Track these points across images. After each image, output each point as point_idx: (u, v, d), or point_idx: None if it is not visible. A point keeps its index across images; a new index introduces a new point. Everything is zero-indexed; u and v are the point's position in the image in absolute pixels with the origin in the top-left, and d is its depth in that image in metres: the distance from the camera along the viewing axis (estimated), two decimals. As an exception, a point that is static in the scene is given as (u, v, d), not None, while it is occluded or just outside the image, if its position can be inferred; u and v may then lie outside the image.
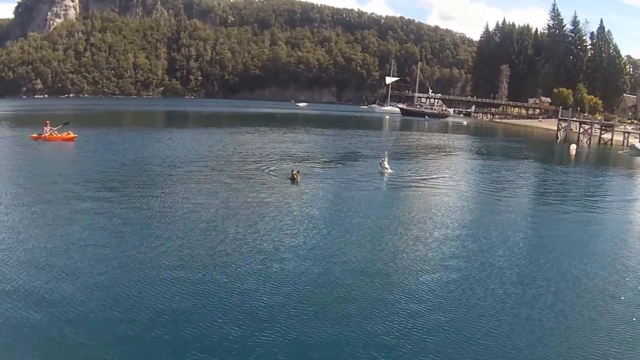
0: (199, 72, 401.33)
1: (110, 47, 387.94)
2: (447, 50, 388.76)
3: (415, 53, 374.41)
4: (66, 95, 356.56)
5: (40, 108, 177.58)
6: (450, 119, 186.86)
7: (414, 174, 50.80)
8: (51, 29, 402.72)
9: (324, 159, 59.62)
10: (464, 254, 24.44)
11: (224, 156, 56.69)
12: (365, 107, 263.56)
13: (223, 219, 28.22)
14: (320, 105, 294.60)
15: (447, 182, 46.35)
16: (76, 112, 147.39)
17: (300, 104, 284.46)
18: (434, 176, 49.92)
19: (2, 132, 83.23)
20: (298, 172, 40.84)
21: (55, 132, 68.42)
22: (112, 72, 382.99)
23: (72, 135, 68.33)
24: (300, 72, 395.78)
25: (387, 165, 48.96)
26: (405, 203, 37.21)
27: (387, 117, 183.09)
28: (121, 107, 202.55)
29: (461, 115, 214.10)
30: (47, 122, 70.44)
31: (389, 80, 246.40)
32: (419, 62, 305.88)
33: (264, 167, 47.98)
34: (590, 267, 23.36)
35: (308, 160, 57.14)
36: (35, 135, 68.75)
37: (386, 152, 52.11)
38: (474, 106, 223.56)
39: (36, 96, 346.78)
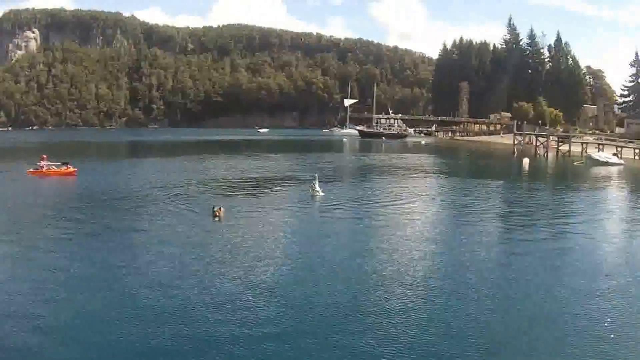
0: (161, 102, 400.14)
1: (72, 78, 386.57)
2: (408, 70, 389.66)
3: (375, 74, 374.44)
4: (30, 128, 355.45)
5: (7, 141, 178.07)
6: (409, 139, 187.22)
7: (346, 196, 50.23)
8: (13, 61, 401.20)
9: (259, 185, 59.14)
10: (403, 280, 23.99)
11: (167, 186, 55.61)
12: (326, 130, 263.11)
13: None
14: (282, 131, 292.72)
15: (382, 203, 45.92)
16: (50, 144, 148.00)
17: (262, 130, 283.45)
18: (366, 198, 49.50)
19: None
20: (220, 208, 38.35)
21: (54, 167, 67.00)
22: (75, 103, 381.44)
23: (72, 169, 66.72)
24: (262, 98, 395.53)
25: (317, 188, 48.74)
26: (334, 229, 36.04)
27: (345, 139, 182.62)
28: (93, 139, 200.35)
29: (422, 134, 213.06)
30: (44, 156, 68.98)
31: (347, 102, 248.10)
32: (380, 83, 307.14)
33: (193, 200, 46.53)
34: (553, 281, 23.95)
35: (242, 187, 56.66)
36: (31, 169, 67.18)
37: (316, 174, 52.15)
38: (434, 125, 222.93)
39: (0, 129, 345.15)
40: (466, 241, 31.44)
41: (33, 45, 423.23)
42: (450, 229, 35.78)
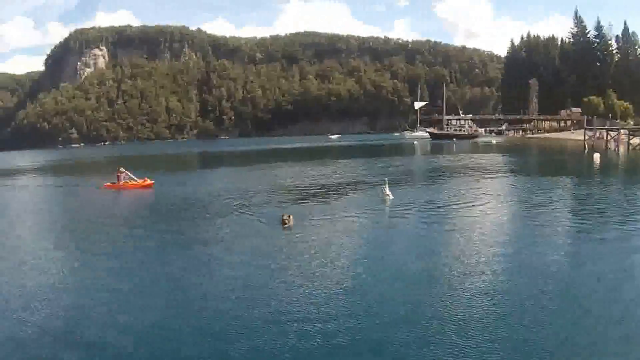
0: (232, 112, 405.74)
1: (141, 92, 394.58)
2: (476, 70, 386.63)
3: (444, 75, 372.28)
4: (102, 143, 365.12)
5: (83, 157, 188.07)
6: (480, 139, 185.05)
7: (417, 199, 48.81)
8: (82, 79, 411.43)
9: (329, 191, 58.51)
10: (489, 284, 22.89)
11: (240, 195, 56.21)
12: (398, 134, 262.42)
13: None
14: (353, 137, 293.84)
15: (452, 205, 44.65)
16: (123, 159, 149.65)
17: (333, 137, 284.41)
18: (437, 200, 47.98)
19: (70, 182, 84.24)
20: (289, 215, 37.60)
21: (132, 180, 67.94)
22: (146, 117, 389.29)
23: (149, 182, 67.63)
24: (332, 104, 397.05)
25: (388, 192, 47.89)
26: (405, 233, 35.15)
27: (416, 142, 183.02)
28: (165, 152, 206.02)
29: (492, 134, 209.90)
30: (121, 169, 69.63)
31: (417, 105, 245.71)
32: (449, 84, 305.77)
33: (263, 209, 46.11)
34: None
35: (312, 194, 56.21)
36: (109, 183, 68.32)
37: (386, 179, 51.11)
38: (505, 124, 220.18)
39: (72, 145, 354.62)
40: (539, 242, 29.80)
41: (101, 62, 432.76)
42: (521, 230, 34.25)
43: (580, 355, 16.02)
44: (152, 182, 67.79)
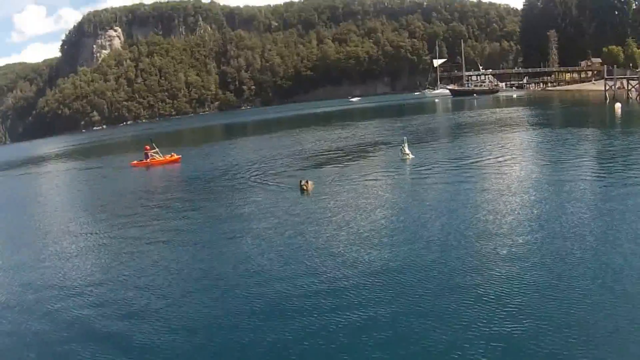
0: (252, 82, 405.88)
1: (160, 69, 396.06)
2: (494, 24, 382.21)
3: (462, 31, 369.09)
4: (124, 123, 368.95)
5: (106, 138, 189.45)
6: (501, 94, 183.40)
7: (437, 156, 49.10)
8: (99, 61, 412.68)
9: (349, 153, 58.82)
10: (515, 239, 22.50)
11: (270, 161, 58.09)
12: (418, 93, 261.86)
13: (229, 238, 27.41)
14: (374, 98, 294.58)
15: (474, 161, 43.93)
16: (147, 137, 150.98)
17: (354, 99, 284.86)
18: (458, 157, 47.66)
19: (97, 163, 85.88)
20: (307, 181, 38.00)
21: (158, 156, 68.82)
22: (166, 94, 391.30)
23: (176, 156, 68.41)
24: (351, 67, 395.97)
25: (407, 151, 48.02)
26: (424, 192, 34.68)
27: (437, 100, 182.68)
28: (188, 126, 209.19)
29: (513, 88, 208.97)
30: (147, 147, 70.48)
31: (436, 62, 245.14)
32: (467, 40, 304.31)
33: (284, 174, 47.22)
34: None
35: (332, 157, 56.82)
36: (135, 162, 69.48)
37: (405, 137, 51.35)
38: (526, 77, 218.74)
39: (95, 128, 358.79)
40: (567, 198, 28.48)
41: (117, 43, 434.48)
42: (547, 186, 32.38)
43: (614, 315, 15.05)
44: (179, 156, 68.39)
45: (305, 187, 37.14)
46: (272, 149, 72.61)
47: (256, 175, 48.41)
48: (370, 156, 55.53)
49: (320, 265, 21.70)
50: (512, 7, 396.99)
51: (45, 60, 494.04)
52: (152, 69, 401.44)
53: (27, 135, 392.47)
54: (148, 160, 68.00)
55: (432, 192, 34.36)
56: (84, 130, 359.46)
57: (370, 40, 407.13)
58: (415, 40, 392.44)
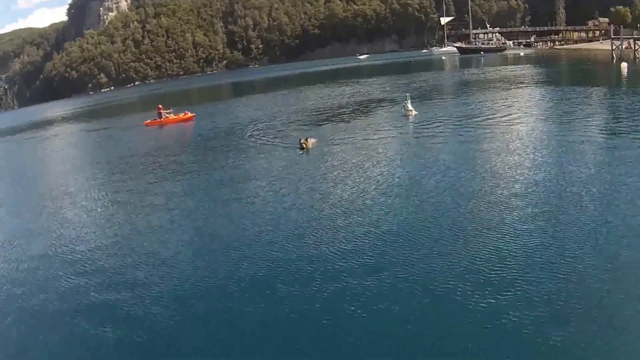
0: (259, 41, 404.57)
1: (167, 30, 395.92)
2: None
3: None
4: (132, 84, 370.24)
5: (115, 99, 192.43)
6: (508, 52, 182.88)
7: (440, 113, 49.45)
8: (106, 24, 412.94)
9: (352, 110, 59.87)
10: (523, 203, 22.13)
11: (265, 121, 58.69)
12: (426, 50, 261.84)
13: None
14: (381, 56, 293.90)
15: (477, 119, 44.08)
16: (157, 96, 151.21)
17: (361, 57, 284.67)
18: (461, 114, 48.10)
19: (110, 124, 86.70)
20: (307, 139, 38.38)
21: (171, 115, 69.61)
22: (173, 54, 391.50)
23: (190, 115, 69.34)
24: (358, 25, 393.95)
25: (410, 107, 48.47)
26: (429, 148, 34.79)
27: (444, 57, 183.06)
28: (197, 85, 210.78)
29: (521, 46, 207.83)
30: (160, 106, 71.52)
31: (443, 20, 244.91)
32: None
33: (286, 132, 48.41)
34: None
35: (335, 114, 57.68)
36: (148, 121, 70.51)
37: (408, 94, 52.10)
38: (533, 36, 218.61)
39: (102, 90, 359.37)
40: (570, 159, 28.06)
41: (124, 5, 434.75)
42: (552, 146, 31.97)
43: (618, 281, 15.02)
44: (193, 114, 69.34)
45: (305, 145, 37.71)
46: (278, 106, 74.18)
47: (262, 132, 49.70)
48: (374, 113, 56.16)
49: (307, 227, 21.92)
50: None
51: (51, 25, 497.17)
52: (159, 30, 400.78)
53: (34, 100, 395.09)
54: (162, 119, 68.82)
55: (431, 149, 34.45)
56: (91, 93, 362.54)
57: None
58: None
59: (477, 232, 19.19)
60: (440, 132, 40.05)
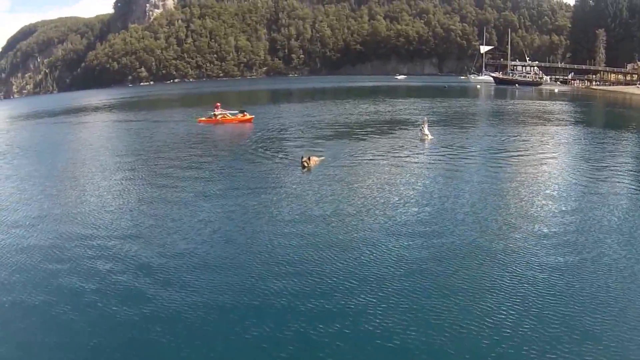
0: (301, 51, 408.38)
1: (210, 32, 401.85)
2: (545, 17, 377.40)
3: (514, 21, 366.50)
4: (171, 81, 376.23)
5: (158, 93, 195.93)
6: (543, 87, 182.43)
7: (457, 140, 48.99)
8: (151, 20, 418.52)
9: (372, 129, 59.98)
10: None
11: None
12: (464, 77, 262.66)
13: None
14: (419, 78, 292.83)
15: (499, 150, 43.14)
16: (202, 95, 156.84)
17: (399, 77, 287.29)
18: (477, 143, 47.23)
19: (163, 117, 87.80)
20: (309, 157, 37.51)
21: (228, 115, 69.80)
22: (215, 56, 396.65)
23: (248, 116, 69.34)
24: (400, 45, 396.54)
25: (426, 132, 48.48)
26: (435, 173, 34.49)
27: (479, 86, 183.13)
28: (238, 88, 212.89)
29: (557, 82, 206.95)
30: (217, 104, 72.08)
31: (483, 49, 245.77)
32: (517, 30, 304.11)
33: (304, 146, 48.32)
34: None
35: (353, 131, 57.97)
36: (203, 118, 70.90)
37: (426, 117, 52.11)
38: (571, 73, 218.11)
39: (142, 83, 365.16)
40: (593, 200, 27.26)
41: (170, 3, 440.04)
42: (570, 183, 31.32)
43: None
44: (252, 117, 69.54)
45: (306, 164, 36.86)
46: (309, 116, 76.15)
47: (255, 148, 48.83)
48: (391, 134, 55.59)
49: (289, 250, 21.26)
50: (564, 1, 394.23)
51: (97, 16, 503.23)
52: (203, 30, 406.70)
53: (74, 86, 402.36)
54: (218, 117, 69.18)
55: (437, 176, 33.93)
56: (130, 85, 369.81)
57: (422, 21, 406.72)
58: (466, 25, 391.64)
59: (475, 268, 18.77)
60: (453, 160, 39.07)
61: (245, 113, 70.79)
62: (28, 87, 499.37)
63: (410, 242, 21.42)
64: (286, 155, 43.84)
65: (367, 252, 20.63)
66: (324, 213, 26.08)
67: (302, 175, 35.32)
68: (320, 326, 14.96)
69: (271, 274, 18.87)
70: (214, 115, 69.83)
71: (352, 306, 16.14)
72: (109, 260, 20.91)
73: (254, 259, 20.50)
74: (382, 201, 28.02)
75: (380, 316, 15.44)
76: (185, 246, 22.28)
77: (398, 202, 27.74)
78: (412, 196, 28.62)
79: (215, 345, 14.55)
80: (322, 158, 39.19)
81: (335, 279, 18.17)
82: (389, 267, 18.97)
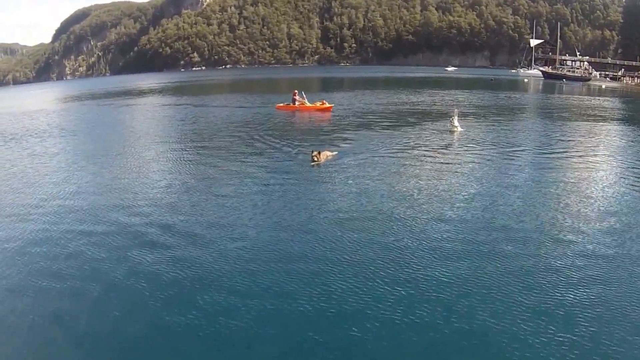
0: (353, 40, 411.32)
1: (263, 19, 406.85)
2: (597, 11, 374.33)
3: (566, 14, 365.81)
4: (223, 67, 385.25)
5: (217, 78, 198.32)
6: (592, 82, 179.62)
7: (488, 134, 47.22)
8: (204, 6, 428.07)
9: (402, 120, 58.63)
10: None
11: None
12: (514, 71, 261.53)
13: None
14: (470, 70, 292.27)
15: (532, 147, 40.47)
16: (255, 81, 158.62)
17: (449, 69, 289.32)
18: (510, 137, 45.57)
19: (237, 101, 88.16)
20: (319, 152, 34.98)
21: (306, 102, 69.67)
22: (267, 43, 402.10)
23: (327, 105, 68.03)
24: (452, 37, 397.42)
25: (456, 124, 47.18)
26: (459, 167, 32.72)
27: (526, 80, 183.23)
28: (288, 75, 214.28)
29: (607, 79, 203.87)
30: (295, 91, 71.60)
31: (533, 42, 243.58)
32: (568, 24, 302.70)
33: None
34: None
35: (383, 121, 56.46)
36: (282, 105, 70.97)
37: (456, 109, 51.54)
38: (622, 69, 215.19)
39: (194, 68, 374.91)
40: (628, 205, 24.48)
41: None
42: (606, 184, 28.57)
43: None
44: (331, 105, 68.22)
45: (316, 158, 34.44)
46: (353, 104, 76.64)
47: (265, 142, 49.67)
48: (421, 125, 53.31)
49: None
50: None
51: (150, 2, 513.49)
52: (256, 17, 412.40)
53: (126, 69, 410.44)
54: (296, 104, 69.02)
55: (461, 168, 32.25)
56: (182, 70, 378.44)
57: (474, 13, 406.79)
58: (518, 17, 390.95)
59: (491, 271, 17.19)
60: (480, 154, 36.98)
61: (324, 101, 70.15)
62: (81, 69, 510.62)
63: (410, 243, 19.77)
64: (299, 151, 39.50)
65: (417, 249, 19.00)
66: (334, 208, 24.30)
67: (312, 169, 32.93)
68: (344, 327, 13.98)
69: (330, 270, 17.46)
70: (294, 102, 70.03)
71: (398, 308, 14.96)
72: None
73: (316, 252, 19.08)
74: (395, 196, 26.03)
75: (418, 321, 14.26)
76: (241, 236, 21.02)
77: (400, 198, 25.73)
78: (412, 195, 26.26)
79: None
80: (334, 153, 36.83)
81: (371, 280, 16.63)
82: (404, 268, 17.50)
